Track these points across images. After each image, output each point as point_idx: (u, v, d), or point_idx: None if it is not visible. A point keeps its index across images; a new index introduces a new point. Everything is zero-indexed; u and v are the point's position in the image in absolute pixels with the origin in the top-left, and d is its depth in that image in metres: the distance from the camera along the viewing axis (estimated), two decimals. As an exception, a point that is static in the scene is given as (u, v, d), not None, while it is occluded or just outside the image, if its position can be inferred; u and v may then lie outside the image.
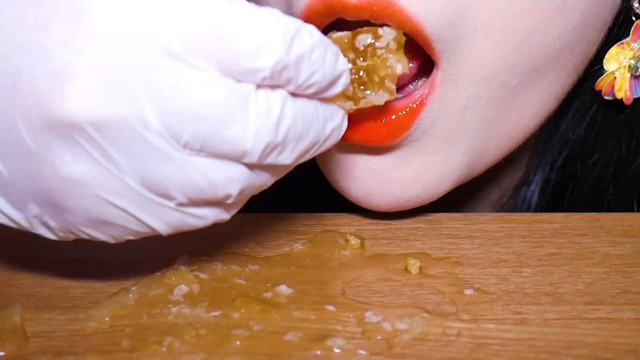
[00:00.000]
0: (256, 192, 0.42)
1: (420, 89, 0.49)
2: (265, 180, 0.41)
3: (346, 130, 0.44)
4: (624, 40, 0.55)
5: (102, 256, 0.49)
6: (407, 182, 0.51)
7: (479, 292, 0.46)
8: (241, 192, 0.40)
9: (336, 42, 0.45)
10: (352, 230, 0.52)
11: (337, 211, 0.54)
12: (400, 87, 0.51)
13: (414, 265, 0.48)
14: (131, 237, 0.41)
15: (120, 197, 0.39)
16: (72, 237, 0.42)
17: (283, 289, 0.46)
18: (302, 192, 0.62)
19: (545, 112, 0.53)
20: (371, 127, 0.48)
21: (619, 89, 0.56)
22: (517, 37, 0.48)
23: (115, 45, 0.37)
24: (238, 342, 0.42)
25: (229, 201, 0.40)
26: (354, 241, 0.50)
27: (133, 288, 0.45)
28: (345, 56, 0.42)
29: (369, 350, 0.41)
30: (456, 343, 0.42)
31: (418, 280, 0.47)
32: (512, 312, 0.44)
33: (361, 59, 0.46)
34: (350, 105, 0.45)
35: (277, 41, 0.37)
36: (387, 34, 0.46)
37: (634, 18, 0.54)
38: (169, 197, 0.39)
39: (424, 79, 0.51)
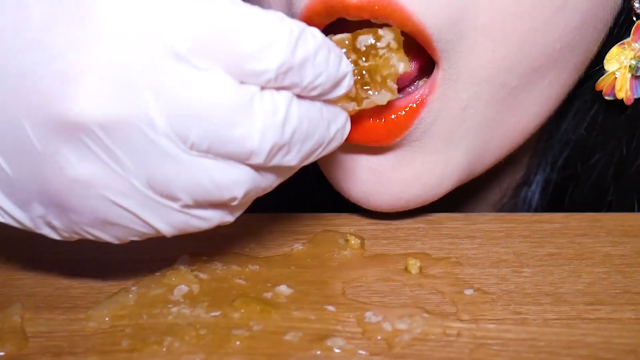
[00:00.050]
0: (261, 194, 0.42)
1: (420, 88, 0.49)
2: (270, 182, 0.41)
3: None
4: (624, 41, 0.55)
5: (102, 256, 0.49)
6: (408, 182, 0.51)
7: (479, 292, 0.46)
8: (246, 194, 0.40)
9: (336, 44, 0.45)
10: (352, 230, 0.52)
11: (337, 211, 0.54)
12: (401, 88, 0.50)
13: (414, 265, 0.48)
14: (135, 238, 0.42)
15: (125, 198, 0.39)
16: (76, 237, 0.42)
17: (283, 289, 0.46)
18: (303, 192, 0.62)
19: (545, 112, 0.53)
20: (371, 127, 0.48)
21: (620, 89, 0.56)
22: (518, 37, 0.48)
23: (122, 46, 0.37)
24: (238, 342, 0.42)
25: (234, 203, 0.40)
26: (354, 241, 0.50)
27: (133, 288, 0.45)
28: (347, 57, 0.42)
29: (369, 350, 0.41)
30: (456, 343, 0.42)
31: (418, 280, 0.47)
32: (512, 312, 0.44)
33: (363, 59, 0.46)
34: (353, 106, 0.46)
35: (282, 43, 0.37)
36: (387, 34, 0.46)
37: (634, 18, 0.54)
38: (174, 199, 0.39)
39: (424, 79, 0.51)
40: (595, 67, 0.56)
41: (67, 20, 0.37)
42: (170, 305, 0.44)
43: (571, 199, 0.61)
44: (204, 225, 0.41)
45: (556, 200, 0.61)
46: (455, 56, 0.48)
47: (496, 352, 0.41)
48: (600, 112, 0.58)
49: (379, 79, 0.46)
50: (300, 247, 0.50)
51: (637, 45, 0.55)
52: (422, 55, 0.49)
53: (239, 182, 0.39)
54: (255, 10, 0.38)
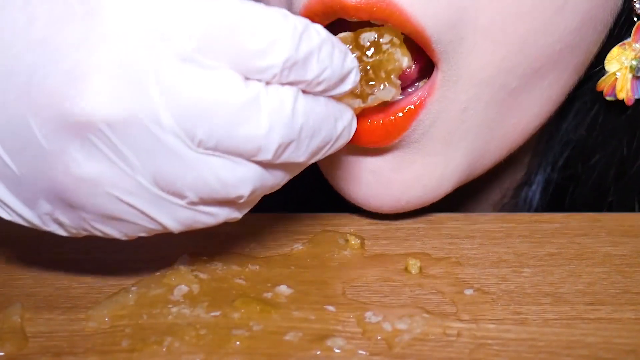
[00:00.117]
0: (268, 191, 0.42)
1: (419, 90, 0.49)
2: (278, 179, 0.41)
3: None
4: (625, 41, 0.55)
5: (102, 256, 0.49)
6: (408, 183, 0.51)
7: (479, 292, 0.46)
8: (253, 192, 0.40)
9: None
10: (352, 230, 0.52)
11: (337, 211, 0.54)
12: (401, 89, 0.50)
13: (414, 265, 0.48)
14: (142, 234, 0.42)
15: (132, 195, 0.39)
16: (83, 233, 0.42)
17: (283, 289, 0.46)
18: (303, 192, 0.62)
19: (545, 113, 0.53)
20: (369, 128, 0.48)
21: (621, 89, 0.55)
22: (518, 38, 0.48)
23: (128, 44, 0.37)
24: (238, 342, 0.42)
25: (241, 201, 0.40)
26: (354, 241, 0.50)
27: (133, 288, 0.45)
28: None
29: (369, 350, 0.41)
30: (456, 343, 0.42)
31: (418, 280, 0.47)
32: (512, 312, 0.44)
33: (367, 54, 0.46)
34: (359, 103, 0.46)
35: (286, 39, 0.38)
36: (390, 30, 0.46)
37: (635, 19, 0.54)
38: (180, 196, 0.39)
39: (424, 80, 0.51)
40: (595, 68, 0.56)
41: (73, 19, 0.38)
42: (170, 305, 0.44)
43: (572, 199, 0.61)
44: (211, 221, 0.41)
45: (557, 200, 0.61)
46: (455, 58, 0.48)
47: (496, 352, 0.41)
48: (600, 113, 0.58)
49: (383, 74, 0.46)
50: (300, 247, 0.50)
51: (637, 45, 0.55)
52: (422, 56, 0.49)
53: (246, 181, 0.39)
54: (259, 7, 0.38)
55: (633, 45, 0.55)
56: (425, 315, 0.44)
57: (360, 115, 0.48)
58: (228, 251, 0.49)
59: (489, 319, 0.43)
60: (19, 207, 0.41)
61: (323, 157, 0.42)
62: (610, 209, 0.59)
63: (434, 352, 0.41)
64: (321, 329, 0.43)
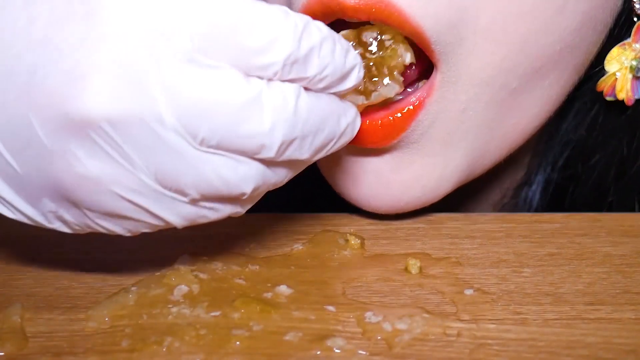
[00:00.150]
0: (272, 188, 0.42)
1: (418, 91, 0.49)
2: (281, 176, 0.41)
3: None
4: (625, 41, 0.55)
5: (102, 256, 0.49)
6: (407, 184, 0.51)
7: (479, 292, 0.46)
8: (255, 190, 0.40)
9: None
10: (352, 230, 0.52)
11: (337, 211, 0.54)
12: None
13: (414, 265, 0.48)
14: (146, 230, 0.42)
15: (134, 193, 0.39)
16: (87, 230, 0.42)
17: (283, 289, 0.46)
18: (303, 192, 0.62)
19: (545, 113, 0.53)
20: (368, 129, 0.48)
21: (621, 89, 0.55)
22: (518, 38, 0.48)
23: (129, 44, 0.37)
24: (238, 342, 0.42)
25: (244, 198, 0.40)
26: (354, 241, 0.50)
27: (133, 288, 0.45)
28: None
29: (369, 350, 0.41)
30: (456, 343, 0.42)
31: (418, 280, 0.47)
32: (513, 312, 0.44)
33: (370, 50, 0.46)
34: (362, 100, 0.46)
35: (288, 36, 0.38)
36: (391, 27, 0.46)
37: (635, 19, 0.54)
38: (183, 194, 0.39)
39: (424, 81, 0.50)
40: (595, 68, 0.56)
41: (73, 18, 0.38)
42: (170, 305, 0.44)
43: (572, 199, 0.61)
44: (214, 216, 0.41)
45: (557, 200, 0.61)
46: (455, 58, 0.48)
47: (496, 352, 0.41)
48: (600, 113, 0.58)
49: (385, 71, 0.46)
50: (300, 247, 0.50)
51: (637, 46, 0.55)
52: (422, 56, 0.49)
53: (248, 179, 0.40)
54: (259, 5, 0.38)
55: (633, 45, 0.55)
56: (425, 315, 0.44)
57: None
58: (228, 251, 0.49)
59: (489, 319, 0.43)
60: (22, 206, 0.41)
61: (327, 154, 0.42)
62: (610, 209, 0.59)
63: (434, 352, 0.41)
64: (321, 329, 0.43)
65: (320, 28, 0.39)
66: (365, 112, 0.48)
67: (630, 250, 0.50)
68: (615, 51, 0.55)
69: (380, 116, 0.48)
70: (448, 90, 0.49)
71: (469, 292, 0.46)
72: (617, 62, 0.55)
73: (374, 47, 0.47)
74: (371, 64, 0.47)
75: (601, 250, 0.50)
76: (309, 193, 0.62)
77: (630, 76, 0.55)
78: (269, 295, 0.45)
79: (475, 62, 0.48)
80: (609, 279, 0.47)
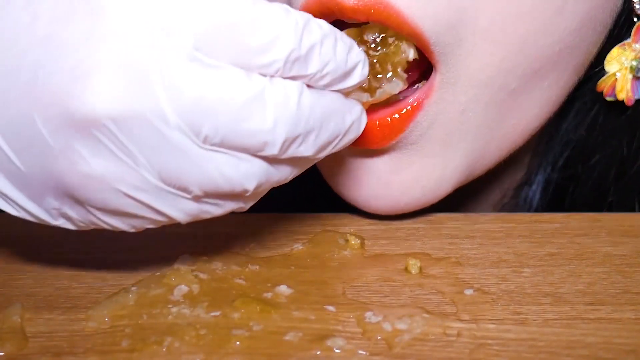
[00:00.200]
0: (275, 185, 0.42)
1: (417, 92, 0.49)
2: (285, 174, 0.42)
3: None
4: (625, 42, 0.55)
5: (102, 256, 0.49)
6: (407, 185, 0.51)
7: (479, 292, 0.46)
8: (258, 187, 0.40)
9: None
10: (352, 230, 0.52)
11: (337, 211, 0.54)
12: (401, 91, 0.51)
13: (414, 265, 0.48)
14: (151, 226, 0.42)
15: (138, 191, 0.39)
16: (92, 226, 0.42)
17: (283, 289, 0.46)
18: (303, 192, 0.63)
19: (545, 113, 0.53)
20: (366, 130, 0.48)
21: (621, 90, 0.55)
22: (517, 39, 0.48)
23: (132, 42, 0.37)
24: (238, 342, 0.42)
25: (247, 194, 0.41)
26: (354, 241, 0.50)
27: (133, 288, 0.45)
28: None
29: (369, 350, 0.41)
30: (456, 343, 0.42)
31: (418, 280, 0.47)
32: (513, 312, 0.44)
33: (378, 48, 0.46)
34: (367, 97, 0.46)
35: (289, 34, 0.38)
36: None
37: (635, 19, 0.54)
38: (186, 191, 0.39)
39: (423, 82, 0.50)
40: (595, 68, 0.55)
41: (75, 16, 0.38)
42: (170, 305, 0.44)
43: (572, 199, 0.61)
44: (218, 212, 0.42)
45: (557, 200, 0.61)
46: (454, 60, 0.48)
47: (496, 352, 0.41)
48: (600, 113, 0.58)
49: (389, 67, 0.46)
50: (300, 247, 0.50)
51: (637, 46, 0.55)
52: (422, 58, 0.49)
53: (250, 176, 0.40)
54: (261, 3, 0.38)
55: (633, 45, 0.55)
56: (425, 315, 0.44)
57: None
58: (228, 251, 0.49)
59: (489, 319, 0.43)
60: (26, 203, 0.41)
61: (333, 151, 0.42)
62: (610, 209, 0.59)
63: (434, 352, 0.41)
64: (321, 329, 0.43)
65: (321, 25, 0.39)
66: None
67: (630, 250, 0.50)
68: (615, 51, 0.55)
69: (378, 117, 0.48)
70: (447, 91, 0.49)
71: (469, 292, 0.46)
72: (617, 62, 0.55)
73: (376, 45, 0.47)
74: (375, 61, 0.46)
75: (601, 250, 0.50)
76: (309, 193, 0.62)
77: (630, 76, 0.55)
78: (269, 295, 0.45)
79: (475, 63, 0.48)
80: (609, 279, 0.47)
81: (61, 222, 0.42)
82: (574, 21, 0.49)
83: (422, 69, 0.50)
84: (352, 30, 0.47)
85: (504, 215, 0.55)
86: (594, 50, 0.53)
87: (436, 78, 0.48)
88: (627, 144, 0.58)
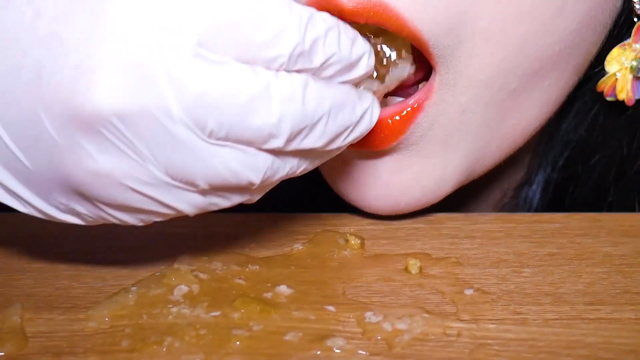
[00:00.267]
0: (285, 177, 0.42)
1: (417, 93, 0.49)
2: (293, 166, 0.41)
3: None
4: (625, 42, 0.55)
5: (102, 256, 0.49)
6: (407, 185, 0.51)
7: (479, 292, 0.46)
8: (264, 181, 0.40)
9: None
10: (352, 230, 0.52)
11: (337, 211, 0.54)
12: (401, 91, 0.50)
13: (414, 265, 0.48)
14: (159, 219, 0.42)
15: (145, 185, 0.39)
16: (100, 221, 0.42)
17: (283, 289, 0.46)
18: (303, 192, 0.63)
19: (545, 114, 0.53)
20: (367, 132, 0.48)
21: (621, 90, 0.55)
22: (517, 39, 0.48)
23: (135, 38, 0.37)
24: (238, 342, 0.42)
25: (253, 187, 0.41)
26: (354, 241, 0.50)
27: (133, 288, 0.45)
28: None
29: (369, 350, 0.41)
30: (456, 343, 0.42)
31: (418, 280, 0.47)
32: (513, 312, 0.44)
33: (377, 34, 0.46)
34: (377, 85, 0.46)
35: (293, 28, 0.38)
36: None
37: (635, 19, 0.54)
38: (193, 185, 0.40)
39: (423, 83, 0.50)
40: (595, 69, 0.55)
41: (78, 14, 0.38)
42: (170, 305, 0.44)
43: (572, 199, 0.61)
44: (226, 204, 0.42)
45: (557, 200, 0.61)
46: (453, 61, 0.48)
47: (496, 352, 0.41)
48: (601, 113, 0.58)
49: (394, 50, 0.46)
50: (300, 247, 0.50)
51: (637, 46, 0.55)
52: (421, 59, 0.49)
53: (256, 169, 0.40)
54: None
55: (633, 45, 0.55)
56: (425, 315, 0.44)
57: None
58: (228, 251, 0.49)
59: (489, 319, 0.43)
60: (33, 200, 0.41)
61: (347, 142, 0.42)
62: (610, 209, 0.59)
63: (434, 352, 0.41)
64: (321, 329, 0.43)
65: (325, 19, 0.40)
66: None
67: (630, 250, 0.50)
68: (615, 52, 0.55)
69: (379, 119, 0.48)
70: (447, 92, 0.49)
71: (469, 292, 0.46)
72: (618, 62, 0.55)
73: (378, 33, 0.47)
74: (379, 48, 0.46)
75: (601, 250, 0.50)
76: (309, 193, 0.62)
77: (630, 76, 0.55)
78: (269, 295, 0.45)
79: (474, 64, 0.48)
80: (609, 279, 0.47)
81: (69, 218, 0.42)
82: (573, 21, 0.49)
83: (421, 70, 0.50)
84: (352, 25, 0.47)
85: (504, 215, 0.55)
86: (593, 50, 0.53)
87: (436, 79, 0.48)
88: (627, 144, 0.58)
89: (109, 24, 0.37)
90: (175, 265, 0.47)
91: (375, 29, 0.47)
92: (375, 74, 0.46)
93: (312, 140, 0.40)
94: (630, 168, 0.58)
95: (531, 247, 0.50)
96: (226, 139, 0.38)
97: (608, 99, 0.56)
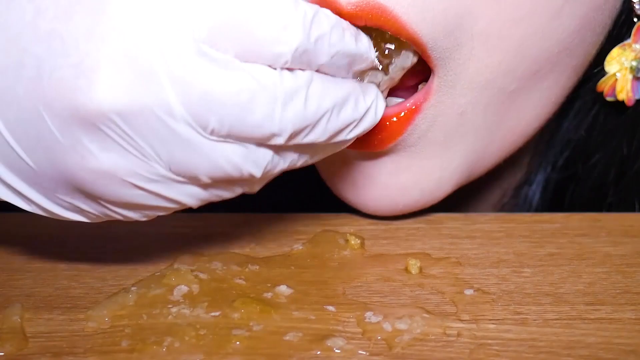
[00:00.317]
0: (287, 169, 0.42)
1: (415, 95, 0.49)
2: (293, 160, 0.42)
3: None
4: (625, 42, 0.55)
5: (102, 256, 0.49)
6: (405, 187, 0.51)
7: (479, 292, 0.46)
8: (266, 173, 0.40)
9: None
10: (352, 230, 0.52)
11: (337, 211, 0.54)
12: (401, 92, 0.50)
13: (414, 265, 0.48)
14: (163, 213, 0.42)
15: (149, 182, 0.39)
16: (105, 218, 0.42)
17: (283, 289, 0.46)
18: (303, 192, 0.63)
19: (545, 114, 0.53)
20: (366, 133, 0.48)
21: (621, 90, 0.55)
22: (516, 42, 0.48)
23: (137, 35, 0.37)
24: (238, 342, 0.42)
25: (255, 179, 0.41)
26: (354, 241, 0.50)
27: (133, 288, 0.45)
28: None
29: (369, 350, 0.41)
30: (456, 343, 0.42)
31: (418, 280, 0.47)
32: (513, 312, 0.44)
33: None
34: (382, 76, 0.46)
35: (298, 26, 0.38)
36: None
37: (635, 19, 0.54)
38: (195, 180, 0.40)
39: (423, 84, 0.50)
40: (595, 69, 0.55)
41: (80, 11, 0.38)
42: (170, 306, 0.44)
43: (572, 199, 0.61)
44: (228, 195, 0.42)
45: (557, 200, 0.61)
46: (452, 63, 0.47)
47: (496, 352, 0.41)
48: (600, 113, 0.58)
49: (394, 41, 0.46)
50: (300, 247, 0.50)
51: (637, 46, 0.55)
52: (420, 60, 0.49)
53: (259, 164, 0.40)
54: None
55: (633, 46, 0.55)
56: (425, 315, 0.44)
57: None
58: (228, 251, 0.49)
59: (489, 319, 0.43)
60: (37, 198, 0.41)
61: (352, 136, 0.42)
62: (610, 209, 0.59)
63: (434, 352, 0.41)
64: (321, 329, 0.43)
65: (329, 16, 0.40)
66: None
67: (630, 250, 0.50)
68: (615, 52, 0.55)
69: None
70: (445, 94, 0.48)
71: (469, 292, 0.46)
72: (617, 62, 0.55)
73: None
74: (379, 39, 0.46)
75: (601, 250, 0.50)
76: (309, 193, 0.62)
77: (630, 77, 0.55)
78: (269, 295, 0.45)
79: (473, 66, 0.48)
80: (609, 279, 0.47)
81: (73, 216, 0.42)
82: (572, 23, 0.49)
83: (421, 72, 0.50)
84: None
85: (504, 215, 0.55)
86: (593, 51, 0.53)
87: (434, 81, 0.48)
88: (627, 144, 0.58)
89: (110, 22, 0.37)
90: (175, 265, 0.47)
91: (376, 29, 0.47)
92: (379, 67, 0.46)
93: (314, 137, 0.40)
94: (630, 168, 0.58)
95: (531, 247, 0.50)
96: (227, 136, 0.38)
97: (608, 99, 0.56)
